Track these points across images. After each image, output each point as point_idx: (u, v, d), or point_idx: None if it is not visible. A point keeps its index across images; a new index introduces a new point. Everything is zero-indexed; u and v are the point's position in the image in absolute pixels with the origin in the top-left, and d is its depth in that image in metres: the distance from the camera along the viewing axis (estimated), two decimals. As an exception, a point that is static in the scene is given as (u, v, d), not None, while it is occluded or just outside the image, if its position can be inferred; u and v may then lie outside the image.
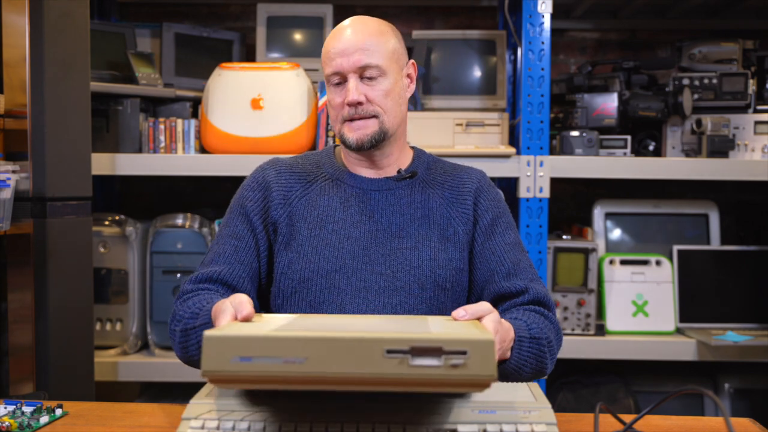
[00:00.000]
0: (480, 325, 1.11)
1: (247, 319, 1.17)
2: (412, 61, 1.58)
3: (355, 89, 1.48)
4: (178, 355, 1.46)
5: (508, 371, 1.36)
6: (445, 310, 1.51)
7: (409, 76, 1.57)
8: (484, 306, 1.24)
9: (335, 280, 1.48)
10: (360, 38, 1.49)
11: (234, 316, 1.19)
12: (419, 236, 1.52)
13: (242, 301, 1.20)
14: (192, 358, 1.42)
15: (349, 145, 1.51)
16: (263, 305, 1.58)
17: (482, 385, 0.95)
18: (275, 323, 1.13)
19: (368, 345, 0.94)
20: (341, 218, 1.52)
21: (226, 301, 1.23)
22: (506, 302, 1.50)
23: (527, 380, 1.38)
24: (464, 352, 0.93)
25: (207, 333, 0.95)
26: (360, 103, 1.48)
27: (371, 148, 1.51)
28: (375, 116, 1.50)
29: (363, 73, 1.49)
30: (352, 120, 1.50)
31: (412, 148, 1.65)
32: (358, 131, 1.50)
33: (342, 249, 1.50)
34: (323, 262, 1.49)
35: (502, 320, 1.29)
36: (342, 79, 1.50)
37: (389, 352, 0.93)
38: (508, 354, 1.35)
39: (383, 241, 1.51)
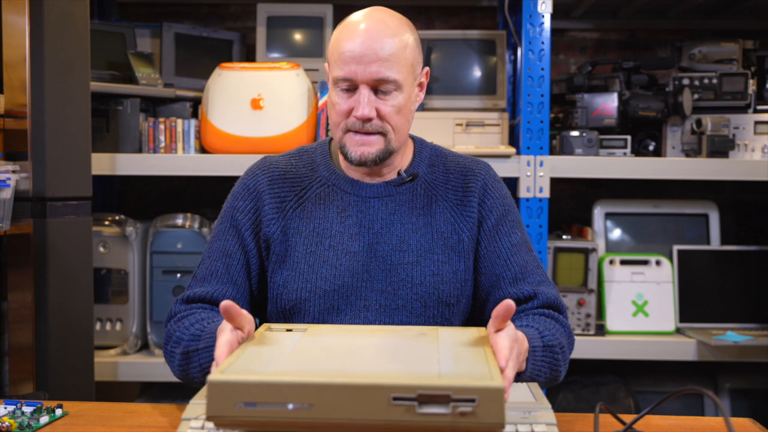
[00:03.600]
0: (492, 360, 1.06)
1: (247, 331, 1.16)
2: (426, 69, 1.47)
3: (367, 103, 1.36)
4: (176, 375, 1.40)
5: (523, 379, 1.30)
6: (449, 325, 1.45)
7: (420, 84, 1.46)
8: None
9: (334, 300, 1.41)
10: (378, 44, 1.34)
11: (236, 339, 1.17)
12: (421, 248, 1.43)
13: (245, 320, 1.18)
14: (193, 380, 1.37)
15: (350, 160, 1.41)
16: (260, 320, 1.53)
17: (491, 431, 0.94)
18: (280, 353, 1.11)
19: (374, 392, 0.92)
20: (339, 231, 1.44)
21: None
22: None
23: (542, 387, 1.35)
24: (473, 400, 0.92)
25: (211, 378, 0.94)
26: (370, 119, 1.37)
27: (374, 165, 1.42)
28: (382, 133, 1.39)
29: (378, 86, 1.36)
30: (356, 132, 1.39)
31: (412, 139, 1.54)
32: (362, 147, 1.39)
33: (340, 266, 1.42)
34: (320, 281, 1.41)
35: (517, 331, 1.22)
36: (352, 86, 1.37)
37: (396, 399, 0.92)
38: (524, 366, 1.28)
39: (383, 255, 1.43)
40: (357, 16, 1.40)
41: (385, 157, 1.42)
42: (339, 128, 1.41)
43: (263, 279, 1.49)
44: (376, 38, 1.35)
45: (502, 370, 1.09)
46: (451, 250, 1.45)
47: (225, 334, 1.17)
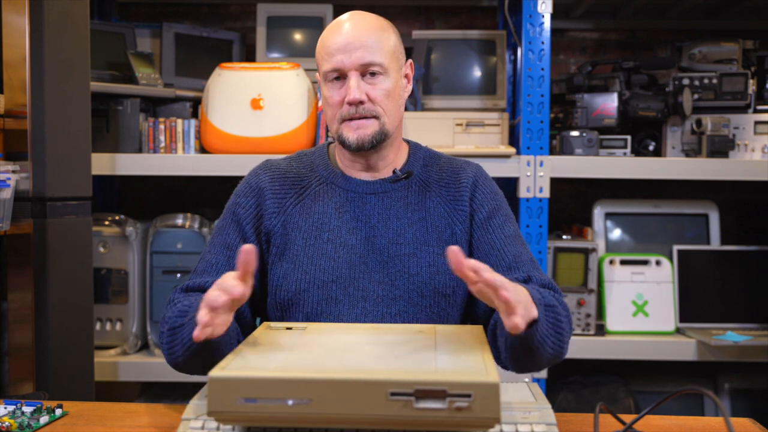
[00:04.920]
0: (488, 356, 1.07)
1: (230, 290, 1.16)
2: (410, 61, 1.54)
3: (356, 87, 1.43)
4: (167, 359, 1.40)
5: (535, 338, 1.24)
6: (446, 317, 1.48)
7: (406, 76, 1.53)
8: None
9: (332, 291, 1.44)
10: (362, 34, 1.44)
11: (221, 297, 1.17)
12: (417, 241, 1.48)
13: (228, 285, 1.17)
14: (177, 359, 1.36)
15: (348, 145, 1.46)
16: (260, 316, 1.55)
17: (486, 426, 0.95)
18: (280, 350, 1.12)
19: (372, 387, 0.94)
20: (336, 225, 1.48)
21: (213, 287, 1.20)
22: None
23: (549, 358, 1.31)
24: (468, 395, 0.93)
25: (212, 374, 0.96)
26: (361, 102, 1.43)
27: (371, 148, 1.46)
28: (375, 117, 1.45)
29: (365, 70, 1.44)
30: (351, 119, 1.45)
31: (408, 142, 1.60)
32: (358, 131, 1.45)
33: (338, 258, 1.46)
34: (319, 272, 1.45)
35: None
36: (341, 76, 1.45)
37: (393, 394, 0.94)
38: (534, 311, 1.23)
39: (380, 248, 1.47)
40: (339, 18, 1.49)
41: (381, 139, 1.46)
42: (335, 120, 1.48)
43: (263, 274, 1.51)
44: (359, 29, 1.45)
45: (498, 288, 1.09)
46: (445, 243, 1.48)
47: (212, 291, 1.17)
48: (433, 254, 1.47)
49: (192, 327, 1.27)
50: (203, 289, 1.43)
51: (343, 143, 1.47)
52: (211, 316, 1.17)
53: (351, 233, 1.48)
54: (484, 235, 1.50)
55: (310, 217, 1.49)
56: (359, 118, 1.45)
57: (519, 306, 1.15)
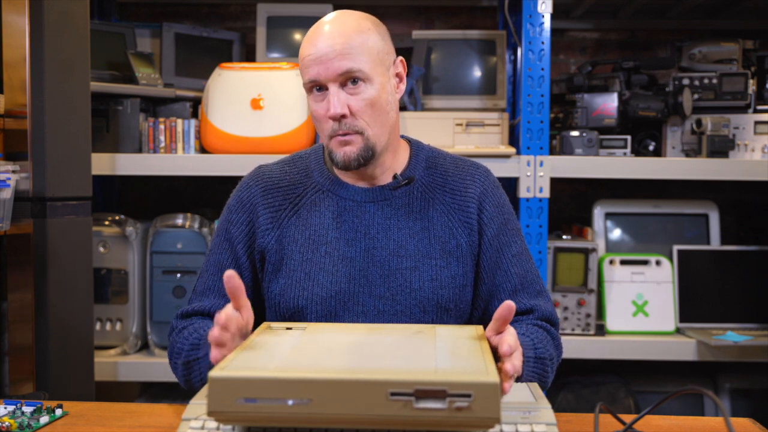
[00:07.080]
0: (488, 356, 1.07)
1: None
2: (400, 58, 1.45)
3: (336, 101, 1.35)
4: (182, 384, 1.43)
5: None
6: None
7: (398, 75, 1.44)
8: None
9: (332, 307, 1.41)
10: (338, 41, 1.35)
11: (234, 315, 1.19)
12: (419, 253, 1.43)
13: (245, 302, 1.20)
14: (194, 387, 1.39)
15: (335, 163, 1.41)
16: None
17: (486, 426, 0.95)
18: (280, 350, 1.12)
19: (372, 387, 0.94)
20: (335, 237, 1.43)
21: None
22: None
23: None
24: (468, 395, 0.93)
25: (212, 374, 0.96)
26: (343, 116, 1.36)
27: (359, 166, 1.40)
28: (359, 132, 1.38)
29: (344, 80, 1.36)
30: (339, 135, 1.38)
31: (409, 141, 1.53)
32: (344, 147, 1.38)
33: (337, 273, 1.41)
34: (317, 288, 1.41)
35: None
36: (322, 88, 1.38)
37: (393, 394, 0.94)
38: (521, 370, 1.28)
39: (381, 261, 1.42)
40: (318, 22, 1.41)
41: (368, 156, 1.40)
42: (325, 135, 1.42)
43: (257, 292, 1.50)
44: (334, 36, 1.36)
45: (504, 355, 1.11)
46: (449, 254, 1.44)
47: (213, 330, 1.18)
48: (436, 267, 1.43)
49: (206, 362, 1.31)
50: (203, 314, 1.45)
51: (333, 160, 1.42)
52: (220, 351, 1.18)
53: (349, 245, 1.43)
54: (494, 254, 1.46)
55: (307, 230, 1.44)
56: (343, 134, 1.38)
57: (513, 372, 1.15)
